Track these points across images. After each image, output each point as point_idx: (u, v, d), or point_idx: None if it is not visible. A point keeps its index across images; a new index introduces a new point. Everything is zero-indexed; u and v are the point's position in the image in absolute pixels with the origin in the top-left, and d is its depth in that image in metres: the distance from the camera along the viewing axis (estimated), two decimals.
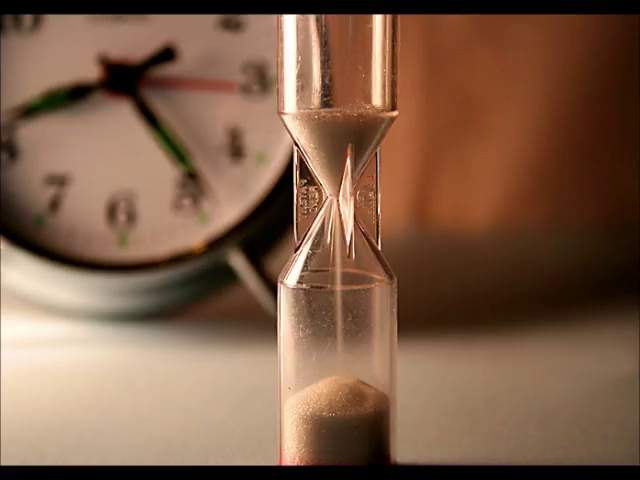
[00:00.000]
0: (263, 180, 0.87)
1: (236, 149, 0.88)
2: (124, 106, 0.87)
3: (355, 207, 0.58)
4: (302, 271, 0.58)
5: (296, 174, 0.59)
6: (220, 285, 0.93)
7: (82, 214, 0.87)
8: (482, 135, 1.37)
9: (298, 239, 0.59)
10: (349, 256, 0.57)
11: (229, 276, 0.90)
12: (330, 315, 0.57)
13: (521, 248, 1.30)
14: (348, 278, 0.57)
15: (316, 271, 0.58)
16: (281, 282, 0.58)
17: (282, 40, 0.56)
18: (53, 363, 0.83)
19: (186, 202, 0.88)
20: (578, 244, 1.29)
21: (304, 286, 0.57)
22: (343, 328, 0.57)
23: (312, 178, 0.59)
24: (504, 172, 1.38)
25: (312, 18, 0.54)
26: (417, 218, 1.40)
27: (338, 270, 0.57)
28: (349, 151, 0.56)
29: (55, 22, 0.87)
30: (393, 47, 0.56)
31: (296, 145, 0.58)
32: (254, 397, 0.74)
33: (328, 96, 0.55)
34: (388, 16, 0.55)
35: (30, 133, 0.87)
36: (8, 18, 0.86)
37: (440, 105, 1.38)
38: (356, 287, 0.57)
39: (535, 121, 1.36)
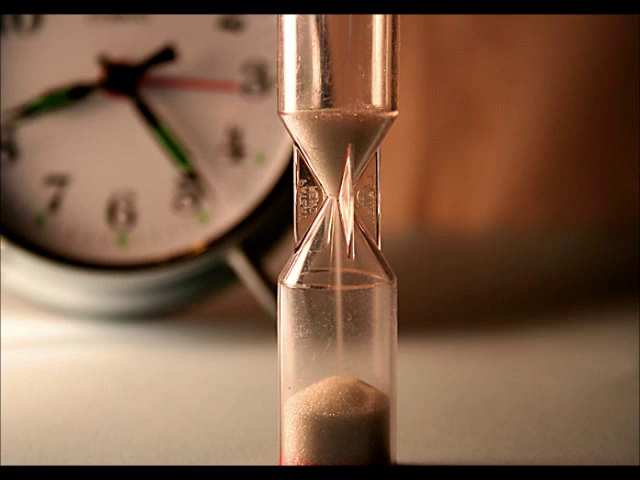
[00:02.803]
0: (263, 180, 0.87)
1: (236, 149, 0.88)
2: (124, 106, 0.87)
3: (355, 207, 0.58)
4: (302, 271, 0.58)
5: (296, 174, 0.59)
6: (220, 285, 0.93)
7: (82, 214, 0.87)
8: (482, 135, 1.37)
9: (298, 239, 0.59)
10: (349, 256, 0.57)
11: (229, 276, 0.90)
12: (330, 315, 0.57)
13: (521, 248, 1.30)
14: (348, 278, 0.57)
15: (316, 271, 0.58)
16: (281, 282, 0.58)
17: (282, 40, 0.56)
18: (53, 363, 0.83)
19: (186, 202, 0.88)
20: (578, 244, 1.29)
21: (304, 286, 0.57)
22: (343, 328, 0.57)
23: (312, 178, 0.59)
24: (504, 172, 1.38)
25: (312, 18, 0.54)
26: (417, 218, 1.40)
27: (338, 270, 0.57)
28: (349, 151, 0.56)
29: (55, 22, 0.87)
30: (393, 47, 0.56)
31: (296, 145, 0.58)
32: (254, 397, 0.74)
33: (328, 96, 0.55)
34: (388, 16, 0.55)
35: (30, 133, 0.87)
36: (8, 18, 0.86)
37: (440, 105, 1.38)
38: (356, 287, 0.57)
39: (535, 121, 1.36)
